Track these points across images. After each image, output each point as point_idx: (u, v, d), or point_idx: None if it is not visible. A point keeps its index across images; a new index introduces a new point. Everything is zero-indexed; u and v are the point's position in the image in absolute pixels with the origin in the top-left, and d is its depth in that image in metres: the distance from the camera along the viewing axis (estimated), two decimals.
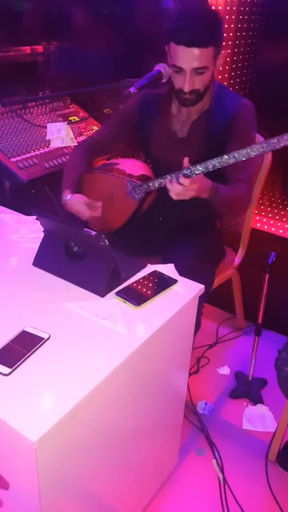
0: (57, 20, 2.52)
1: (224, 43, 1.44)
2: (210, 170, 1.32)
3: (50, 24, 2.54)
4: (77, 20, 2.49)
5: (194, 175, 1.32)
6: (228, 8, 1.98)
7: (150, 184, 1.51)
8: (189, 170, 1.33)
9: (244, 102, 1.51)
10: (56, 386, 0.90)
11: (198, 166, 1.32)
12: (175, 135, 1.57)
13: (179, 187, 1.31)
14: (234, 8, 2.01)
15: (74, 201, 1.51)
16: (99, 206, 1.52)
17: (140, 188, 1.54)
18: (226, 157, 1.29)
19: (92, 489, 1.11)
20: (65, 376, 0.92)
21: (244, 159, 1.28)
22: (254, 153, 1.26)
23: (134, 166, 1.62)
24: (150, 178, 1.59)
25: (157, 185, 1.49)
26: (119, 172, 1.60)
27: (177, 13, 1.36)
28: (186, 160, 1.33)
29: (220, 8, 1.94)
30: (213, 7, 1.43)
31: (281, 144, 1.20)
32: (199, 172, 1.32)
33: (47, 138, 1.51)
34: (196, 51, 1.32)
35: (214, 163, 1.31)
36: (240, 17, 2.05)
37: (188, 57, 1.34)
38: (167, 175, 1.42)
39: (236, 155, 1.28)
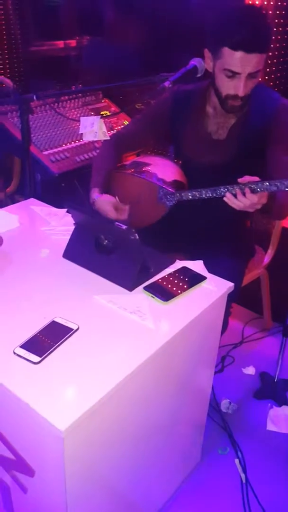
0: (90, 15, 2.54)
1: None
2: (276, 190, 1.25)
3: (83, 18, 2.56)
4: (109, 15, 2.49)
5: (259, 192, 1.26)
6: (265, 2, 1.94)
7: (183, 194, 1.47)
8: (225, 190, 1.29)
9: (284, 102, 1.46)
10: (84, 377, 0.91)
11: (265, 183, 1.25)
12: (210, 136, 1.54)
13: (247, 201, 1.27)
14: (271, 3, 1.97)
15: (102, 202, 1.49)
16: (126, 209, 1.51)
17: (172, 196, 1.51)
18: (267, 184, 1.25)
19: (116, 481, 1.11)
20: (93, 368, 0.93)
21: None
22: None
23: (166, 169, 1.58)
24: (183, 184, 1.57)
25: (190, 197, 1.44)
26: (150, 174, 1.56)
27: (233, 18, 1.31)
28: (244, 179, 1.27)
29: (257, 2, 1.92)
30: (261, 9, 1.39)
31: None
32: (265, 190, 1.26)
33: (79, 132, 1.52)
34: (255, 56, 1.29)
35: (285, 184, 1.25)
36: (279, 3, 2.00)
37: (247, 62, 1.30)
38: (202, 190, 1.39)
39: (279, 184, 1.23)
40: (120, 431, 1.03)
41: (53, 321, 1.02)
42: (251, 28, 1.28)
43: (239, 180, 1.29)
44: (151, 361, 0.98)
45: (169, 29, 2.26)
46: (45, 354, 0.93)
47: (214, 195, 1.35)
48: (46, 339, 0.96)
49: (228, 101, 1.40)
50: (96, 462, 0.99)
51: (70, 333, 0.99)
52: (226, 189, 1.30)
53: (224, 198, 1.30)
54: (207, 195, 1.37)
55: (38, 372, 0.90)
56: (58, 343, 0.96)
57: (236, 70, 1.32)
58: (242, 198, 1.27)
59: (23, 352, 0.93)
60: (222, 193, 1.31)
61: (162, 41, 2.29)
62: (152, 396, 1.11)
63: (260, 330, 2.22)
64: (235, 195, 1.28)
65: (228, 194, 1.29)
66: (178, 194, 1.49)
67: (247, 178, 1.28)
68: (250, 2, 1.90)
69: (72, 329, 1.00)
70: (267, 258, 1.90)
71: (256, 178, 1.28)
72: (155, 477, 1.33)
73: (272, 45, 2.01)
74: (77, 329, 1.01)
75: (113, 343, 1.00)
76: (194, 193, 1.42)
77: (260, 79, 1.70)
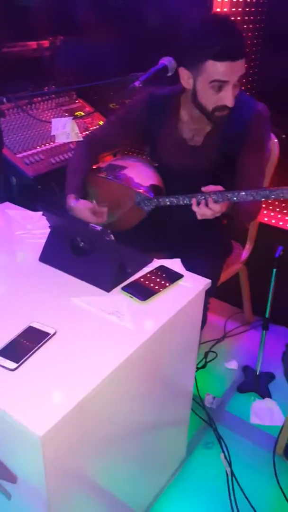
0: (63, 15, 2.51)
1: None
2: (236, 201, 1.30)
3: (56, 19, 2.53)
4: (82, 15, 2.47)
5: (221, 202, 1.30)
6: (233, 9, 1.95)
7: (161, 200, 1.47)
8: (219, 196, 1.31)
9: (259, 107, 1.46)
10: (62, 381, 0.90)
11: (227, 194, 1.29)
12: (186, 142, 1.54)
13: (208, 211, 1.31)
14: (240, 9, 1.98)
15: (80, 209, 1.48)
16: (104, 212, 1.50)
17: (150, 201, 1.50)
18: (244, 193, 1.27)
19: (100, 482, 1.12)
20: (71, 371, 0.92)
21: (262, 199, 1.27)
22: (273, 196, 1.24)
23: (142, 173, 1.57)
24: (160, 188, 1.56)
25: (168, 202, 1.45)
26: (126, 179, 1.55)
27: (209, 30, 1.30)
28: (206, 188, 1.32)
29: (225, 9, 1.92)
30: (226, 15, 1.40)
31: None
32: (227, 200, 1.30)
33: (52, 134, 1.51)
34: (239, 63, 1.30)
35: (230, 196, 1.29)
36: (246, 18, 2.02)
37: (234, 69, 1.30)
38: (179, 196, 1.40)
39: (255, 194, 1.26)
40: (101, 432, 1.03)
41: (30, 326, 1.01)
42: (231, 36, 1.29)
43: (203, 189, 1.32)
44: (130, 361, 0.98)
45: (142, 29, 2.26)
46: (22, 360, 0.92)
47: (191, 202, 1.36)
48: (23, 345, 0.96)
49: (215, 113, 1.39)
50: (78, 465, 0.98)
51: (47, 338, 0.98)
52: (203, 197, 1.32)
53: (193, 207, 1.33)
54: (185, 201, 1.37)
55: (15, 378, 0.90)
56: (35, 349, 0.95)
57: (224, 79, 1.31)
58: (204, 208, 1.31)
59: None
60: (200, 200, 1.33)
61: (136, 40, 2.29)
62: (133, 396, 1.12)
63: (242, 325, 2.25)
64: (206, 203, 1.31)
65: (194, 204, 1.33)
66: (156, 200, 1.49)
67: (211, 188, 1.31)
68: (218, 10, 1.91)
69: (49, 334, 0.99)
70: (245, 254, 1.92)
71: (220, 188, 1.31)
72: (141, 476, 1.34)
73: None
74: (54, 333, 1.00)
75: (91, 345, 1.00)
76: (172, 199, 1.43)
77: None
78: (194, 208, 1.33)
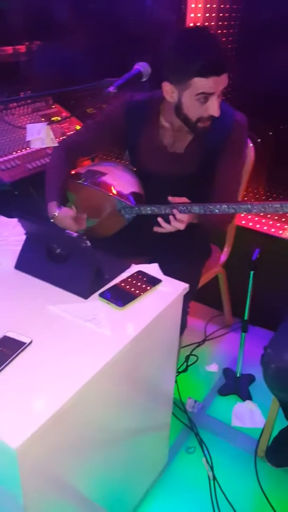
0: (39, 20, 2.50)
1: None
2: (207, 213, 1.32)
3: (32, 23, 2.52)
4: (59, 20, 2.46)
5: (188, 213, 1.34)
6: (207, 15, 1.97)
7: (142, 209, 1.47)
8: (185, 208, 1.33)
9: (237, 118, 1.48)
10: (39, 391, 0.89)
11: (195, 207, 1.32)
12: (166, 149, 1.54)
13: (179, 224, 1.36)
14: (214, 14, 2.00)
15: (62, 217, 1.47)
16: (84, 218, 1.49)
17: (131, 209, 1.50)
18: (226, 206, 1.29)
19: (80, 492, 1.10)
20: (47, 381, 0.91)
21: (243, 212, 1.29)
22: (254, 210, 1.27)
23: (122, 180, 1.56)
24: (141, 195, 1.56)
25: (149, 211, 1.45)
26: (106, 186, 1.53)
27: (192, 48, 1.31)
28: (173, 199, 1.36)
29: (199, 15, 1.94)
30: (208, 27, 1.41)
31: (284, 210, 1.21)
32: (195, 211, 1.32)
33: (26, 140, 1.49)
34: (223, 77, 1.33)
35: (212, 209, 1.30)
36: (220, 23, 2.05)
37: (217, 84, 1.33)
38: (160, 206, 1.41)
39: (236, 207, 1.29)
40: (81, 440, 1.01)
41: (5, 336, 1.00)
42: (214, 52, 1.31)
43: (170, 198, 1.35)
44: (109, 368, 0.98)
45: (118, 34, 2.26)
46: None
47: (173, 212, 1.37)
48: None
49: (198, 124, 1.41)
50: (56, 474, 0.97)
51: (22, 348, 0.97)
52: (185, 208, 1.33)
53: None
54: (166, 211, 1.38)
55: None
56: (10, 359, 0.94)
57: (210, 91, 1.34)
58: (173, 221, 1.36)
59: None
60: (182, 211, 1.34)
61: (112, 45, 2.29)
62: (113, 403, 1.11)
63: (222, 327, 2.26)
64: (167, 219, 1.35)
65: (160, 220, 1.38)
66: (137, 208, 1.49)
67: (176, 199, 1.35)
68: (192, 15, 1.92)
69: (25, 343, 0.98)
70: (223, 257, 1.93)
71: (185, 199, 1.34)
72: (123, 483, 1.33)
73: None
74: (30, 342, 0.99)
75: (68, 354, 0.99)
76: (153, 208, 1.43)
77: None
78: (165, 225, 1.38)
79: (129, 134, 1.58)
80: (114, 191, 1.52)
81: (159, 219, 1.38)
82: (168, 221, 1.37)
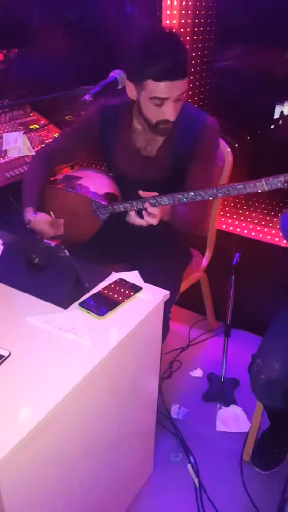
0: (17, 28, 2.49)
1: None
2: (176, 203, 1.32)
3: (10, 32, 2.50)
4: (36, 28, 2.46)
5: (158, 205, 1.33)
6: (183, 12, 1.99)
7: (115, 207, 1.47)
8: (155, 201, 1.33)
9: (209, 122, 1.49)
10: (19, 403, 0.88)
11: (164, 198, 1.32)
12: (139, 153, 1.55)
13: (151, 219, 1.35)
14: (190, 12, 2.02)
15: (38, 222, 1.47)
16: (61, 223, 1.49)
17: (105, 209, 1.51)
18: (193, 194, 1.29)
19: (64, 504, 1.09)
20: (27, 394, 0.90)
21: (210, 198, 1.29)
22: (220, 194, 1.27)
23: (98, 182, 1.57)
24: (115, 196, 1.57)
25: (122, 209, 1.45)
26: (82, 189, 1.54)
27: (150, 50, 1.30)
28: (143, 193, 1.34)
29: (175, 21, 1.95)
30: (173, 31, 1.40)
31: (247, 191, 1.21)
32: (165, 203, 1.33)
33: (3, 149, 1.48)
34: (179, 83, 1.31)
35: (180, 198, 1.30)
36: (196, 20, 2.07)
37: (173, 88, 1.31)
38: (132, 201, 1.41)
39: (203, 193, 1.28)
40: (63, 453, 1.00)
41: None
42: (171, 57, 1.28)
43: (140, 193, 1.34)
44: (89, 379, 0.97)
45: (95, 41, 2.27)
46: None
47: (144, 206, 1.36)
48: None
49: (159, 126, 1.41)
50: (39, 488, 0.95)
51: (1, 361, 0.95)
52: (155, 200, 1.33)
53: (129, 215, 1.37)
54: (138, 206, 1.38)
55: None
56: None
57: (163, 96, 1.32)
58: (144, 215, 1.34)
59: None
60: (152, 204, 1.34)
61: (91, 52, 2.29)
62: (95, 412, 1.09)
63: (206, 332, 2.26)
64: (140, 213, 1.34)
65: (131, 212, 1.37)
66: (110, 207, 1.49)
67: (147, 194, 1.34)
68: (168, 22, 1.94)
69: (3, 356, 0.96)
70: (204, 261, 1.93)
71: (156, 194, 1.34)
72: (108, 493, 1.31)
73: (195, 47, 2.08)
74: (9, 355, 0.97)
75: (48, 365, 0.97)
76: (126, 205, 1.43)
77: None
78: (137, 220, 1.37)
79: (102, 138, 1.59)
80: (88, 192, 1.53)
81: (131, 212, 1.37)
82: (142, 217, 1.37)
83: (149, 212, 1.34)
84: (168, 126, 1.40)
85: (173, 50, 1.30)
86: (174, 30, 1.41)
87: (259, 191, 1.19)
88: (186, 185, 1.51)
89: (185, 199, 1.30)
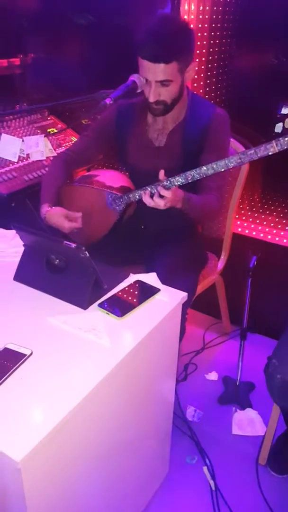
0: (33, 33, 2.52)
1: (193, 56, 1.45)
2: (189, 181, 1.33)
3: (27, 36, 2.54)
4: (53, 32, 2.49)
5: (173, 186, 1.33)
6: (200, 16, 2.01)
7: (131, 195, 1.51)
8: (168, 182, 1.33)
9: (218, 111, 1.53)
10: (40, 403, 0.89)
11: (177, 178, 1.33)
12: (152, 143, 1.58)
13: (159, 200, 1.33)
14: (207, 16, 2.04)
15: (53, 214, 1.50)
16: (78, 216, 1.52)
17: (121, 199, 1.54)
18: (205, 168, 1.30)
19: (83, 504, 1.10)
20: (49, 393, 0.91)
21: (222, 170, 1.29)
22: (232, 164, 1.27)
23: (113, 178, 1.62)
24: (130, 189, 1.60)
25: (137, 196, 1.49)
26: (98, 184, 1.60)
27: (144, 29, 1.37)
28: (162, 173, 1.35)
29: (192, 17, 1.97)
30: (181, 22, 1.43)
31: (258, 155, 1.21)
32: (178, 183, 1.33)
33: (26, 152, 1.51)
34: (159, 66, 1.35)
35: (193, 174, 1.32)
36: (213, 25, 2.09)
37: (153, 71, 1.37)
38: (147, 187, 1.44)
39: (215, 166, 1.29)
40: (82, 452, 1.01)
41: (5, 348, 0.99)
42: (154, 40, 1.34)
43: (161, 173, 1.35)
44: (109, 379, 0.98)
45: (112, 45, 2.29)
46: None
47: (159, 190, 1.38)
48: None
49: (151, 105, 1.46)
50: (59, 488, 0.96)
51: (23, 360, 0.97)
52: (168, 181, 1.35)
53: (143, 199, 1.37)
54: (153, 191, 1.40)
55: None
56: (11, 371, 0.94)
57: (146, 77, 1.39)
58: (156, 197, 1.34)
59: None
60: (167, 186, 1.35)
61: (108, 56, 2.32)
62: (113, 413, 1.10)
63: (221, 335, 2.26)
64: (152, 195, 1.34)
65: (145, 195, 1.37)
66: (126, 197, 1.52)
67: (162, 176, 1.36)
68: (185, 16, 1.96)
69: (25, 355, 0.98)
70: (220, 264, 1.94)
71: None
72: (124, 494, 1.32)
73: (211, 51, 2.09)
74: (31, 354, 0.99)
75: (69, 365, 0.99)
76: (140, 192, 1.45)
77: (196, 85, 1.74)
78: (146, 199, 1.37)
79: (118, 135, 1.62)
80: (104, 186, 1.58)
81: (143, 193, 1.40)
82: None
83: (160, 194, 1.34)
84: (158, 107, 1.46)
85: (162, 33, 1.35)
86: (185, 21, 1.45)
87: (270, 153, 1.19)
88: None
89: (197, 175, 1.31)
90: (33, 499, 0.86)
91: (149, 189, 1.39)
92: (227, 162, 1.28)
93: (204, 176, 1.32)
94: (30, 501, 0.85)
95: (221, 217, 1.87)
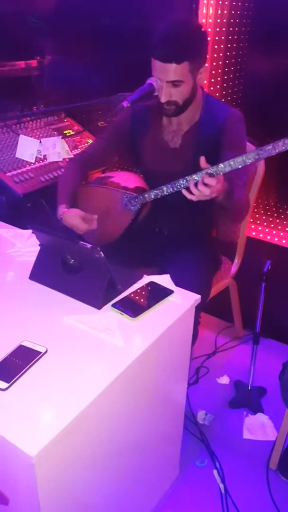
0: (51, 35, 2.55)
1: (205, 58, 1.46)
2: (227, 171, 1.31)
3: (44, 38, 2.57)
4: (71, 34, 2.52)
5: (217, 175, 1.30)
6: (218, 20, 2.01)
7: (146, 195, 1.52)
8: (213, 170, 1.29)
9: (233, 111, 1.54)
10: (54, 400, 0.90)
11: (221, 165, 1.29)
12: (167, 145, 1.59)
13: (205, 189, 1.28)
14: (225, 20, 2.04)
15: (70, 216, 1.52)
16: (94, 218, 1.53)
17: (136, 200, 1.55)
18: (222, 165, 1.28)
19: (92, 502, 1.10)
20: (63, 390, 0.92)
21: (239, 166, 1.29)
22: (249, 161, 1.27)
23: (128, 179, 1.64)
24: (145, 189, 1.61)
25: (153, 196, 1.50)
26: (113, 184, 1.61)
27: (156, 29, 1.38)
28: (203, 160, 1.29)
29: (210, 21, 1.98)
30: (194, 23, 1.44)
31: (276, 151, 1.21)
32: (224, 171, 1.30)
33: (43, 154, 1.53)
34: (170, 66, 1.36)
35: (210, 172, 1.30)
36: (231, 29, 2.09)
37: (163, 71, 1.38)
38: (162, 186, 1.44)
39: (232, 163, 1.28)
40: (94, 451, 1.02)
41: (21, 345, 1.01)
42: (166, 40, 1.36)
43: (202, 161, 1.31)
44: (122, 379, 0.98)
45: (129, 48, 2.31)
46: (13, 380, 0.92)
47: (175, 188, 1.39)
48: (14, 364, 0.95)
49: (163, 105, 1.47)
50: (70, 485, 0.97)
51: (38, 357, 0.98)
52: (184, 180, 1.35)
53: (183, 192, 1.33)
54: (168, 190, 1.40)
55: (6, 398, 0.89)
56: (26, 368, 0.95)
57: (158, 77, 1.40)
58: (202, 186, 1.28)
59: None
60: (182, 185, 1.36)
61: (124, 59, 2.33)
62: (125, 413, 1.11)
63: (233, 339, 2.25)
64: (195, 184, 1.30)
65: (187, 186, 1.33)
66: (141, 197, 1.53)
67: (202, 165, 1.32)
68: (203, 20, 1.97)
69: (40, 352, 0.99)
70: (234, 268, 1.93)
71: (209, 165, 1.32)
72: (134, 494, 1.32)
73: (229, 55, 2.10)
74: (46, 351, 1.00)
75: (83, 363, 1.00)
76: (156, 191, 1.46)
77: (212, 88, 1.74)
78: (192, 191, 1.30)
79: (133, 135, 1.63)
80: (119, 187, 1.59)
81: (184, 191, 1.33)
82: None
83: (205, 183, 1.28)
84: (170, 108, 1.46)
85: (175, 34, 1.36)
86: (198, 23, 1.46)
87: None
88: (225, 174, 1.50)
89: (214, 173, 1.30)
90: (45, 494, 0.87)
91: (164, 188, 1.40)
92: (244, 158, 1.27)
93: (221, 173, 1.30)
94: (42, 495, 0.86)
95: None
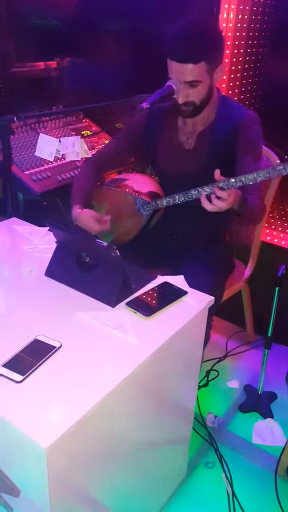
0: (70, 36, 2.58)
1: (222, 58, 1.46)
2: (239, 186, 1.32)
3: (63, 40, 2.60)
4: (90, 36, 2.54)
5: (228, 189, 1.31)
6: (238, 25, 2.02)
7: (158, 202, 1.52)
8: (224, 184, 1.32)
9: (248, 112, 1.53)
10: (67, 394, 0.91)
11: (232, 180, 1.31)
12: (182, 146, 1.59)
13: (220, 203, 1.30)
14: (245, 25, 2.05)
15: (83, 217, 1.53)
16: (107, 219, 1.54)
17: (148, 205, 1.56)
18: (233, 180, 1.29)
19: (100, 499, 1.11)
20: (76, 385, 0.93)
21: (250, 183, 1.30)
22: (260, 178, 1.29)
23: (142, 182, 1.64)
24: (159, 195, 1.61)
25: (165, 203, 1.50)
26: (127, 188, 1.61)
27: (172, 30, 1.39)
28: (217, 172, 1.31)
29: (231, 25, 1.99)
30: (210, 23, 1.45)
31: (287, 171, 1.22)
32: (235, 186, 1.32)
33: (62, 153, 1.55)
34: (186, 66, 1.37)
35: (221, 185, 1.31)
36: (251, 33, 2.10)
37: (180, 71, 1.38)
38: (175, 195, 1.45)
39: (243, 178, 1.29)
40: (104, 447, 1.03)
41: (36, 339, 1.02)
42: (183, 40, 1.36)
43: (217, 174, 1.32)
44: (134, 376, 0.99)
45: (148, 50, 2.32)
46: (28, 373, 0.93)
47: (187, 198, 1.40)
48: (29, 358, 0.97)
49: (180, 106, 1.47)
50: (80, 479, 0.98)
51: (52, 351, 0.99)
52: (196, 191, 1.36)
53: (202, 202, 1.34)
54: (180, 199, 1.41)
55: (20, 390, 0.91)
56: (41, 361, 0.96)
57: (173, 77, 1.41)
58: (215, 201, 1.31)
59: (5, 371, 0.93)
60: (194, 195, 1.36)
61: (142, 61, 2.35)
62: (136, 411, 1.12)
63: (244, 343, 2.24)
64: (208, 197, 1.32)
65: (202, 197, 1.34)
66: (154, 203, 1.54)
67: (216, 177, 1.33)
68: (223, 25, 1.98)
69: (55, 347, 1.00)
70: (247, 272, 1.93)
71: (223, 178, 1.33)
72: (141, 494, 1.33)
73: (248, 59, 2.10)
74: (60, 346, 1.01)
75: (96, 359, 1.01)
76: (168, 199, 1.47)
77: (230, 92, 1.75)
78: (206, 204, 1.32)
79: (149, 138, 1.64)
80: (133, 191, 1.60)
81: (202, 198, 1.34)
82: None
83: (218, 196, 1.30)
84: (188, 109, 1.47)
85: (191, 34, 1.37)
86: (214, 23, 1.46)
87: None
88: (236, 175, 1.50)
89: (225, 187, 1.31)
90: (55, 487, 0.88)
91: (176, 197, 1.41)
92: (255, 175, 1.28)
93: (232, 187, 1.31)
94: (52, 488, 0.87)
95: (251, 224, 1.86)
